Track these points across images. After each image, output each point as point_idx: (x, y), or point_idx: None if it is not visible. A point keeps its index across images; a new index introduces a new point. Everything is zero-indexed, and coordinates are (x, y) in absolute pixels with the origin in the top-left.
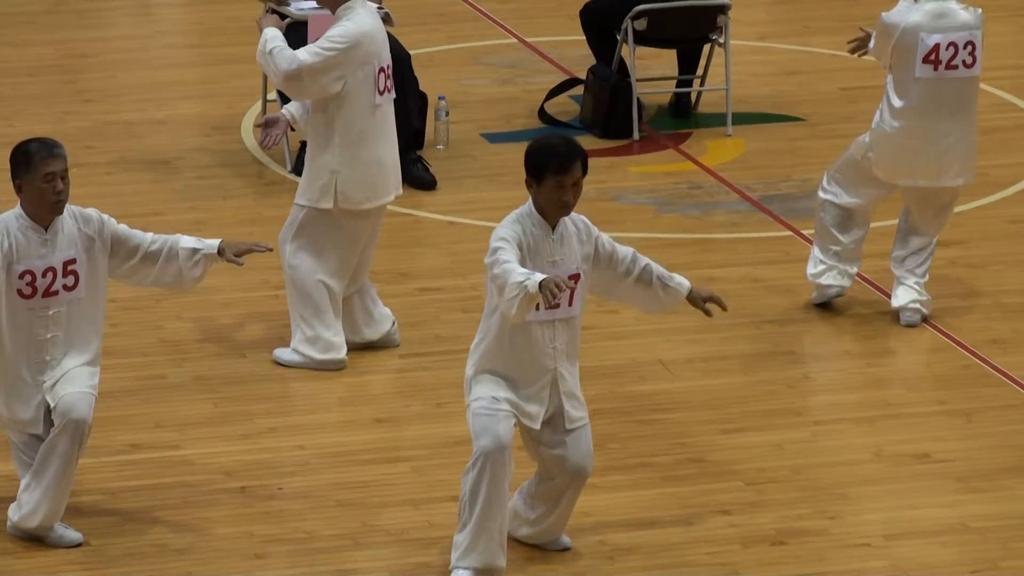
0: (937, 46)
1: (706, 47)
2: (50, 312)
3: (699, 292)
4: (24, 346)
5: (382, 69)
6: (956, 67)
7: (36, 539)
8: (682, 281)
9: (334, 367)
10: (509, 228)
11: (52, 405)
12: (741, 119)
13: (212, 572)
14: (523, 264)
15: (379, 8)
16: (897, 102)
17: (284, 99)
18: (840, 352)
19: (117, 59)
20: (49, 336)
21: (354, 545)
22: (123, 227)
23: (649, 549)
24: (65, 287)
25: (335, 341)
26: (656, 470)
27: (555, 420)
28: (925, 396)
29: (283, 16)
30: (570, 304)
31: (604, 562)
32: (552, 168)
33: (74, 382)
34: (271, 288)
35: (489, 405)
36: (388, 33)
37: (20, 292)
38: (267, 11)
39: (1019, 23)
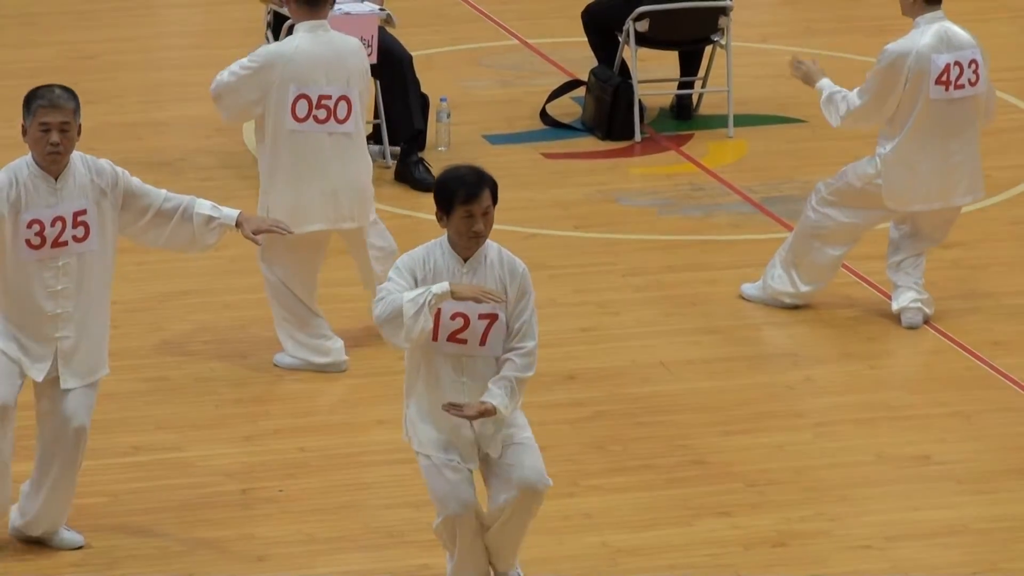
0: (948, 66)
1: (708, 48)
2: (59, 263)
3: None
4: (35, 298)
5: (303, 95)
6: (963, 86)
7: (38, 541)
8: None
9: (336, 369)
10: (406, 258)
11: (61, 381)
12: (743, 121)
13: (213, 574)
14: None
15: (380, 9)
16: (905, 129)
17: None
18: (841, 354)
19: (119, 60)
20: (60, 288)
21: (355, 547)
22: (137, 181)
23: (650, 551)
24: (75, 238)
25: (329, 344)
26: (657, 472)
27: (490, 451)
28: (926, 398)
29: (285, 17)
30: (482, 344)
31: (605, 563)
32: (460, 198)
33: (81, 395)
34: None
35: (440, 464)
36: (390, 35)
37: (28, 242)
38: (268, 11)
39: (1020, 25)
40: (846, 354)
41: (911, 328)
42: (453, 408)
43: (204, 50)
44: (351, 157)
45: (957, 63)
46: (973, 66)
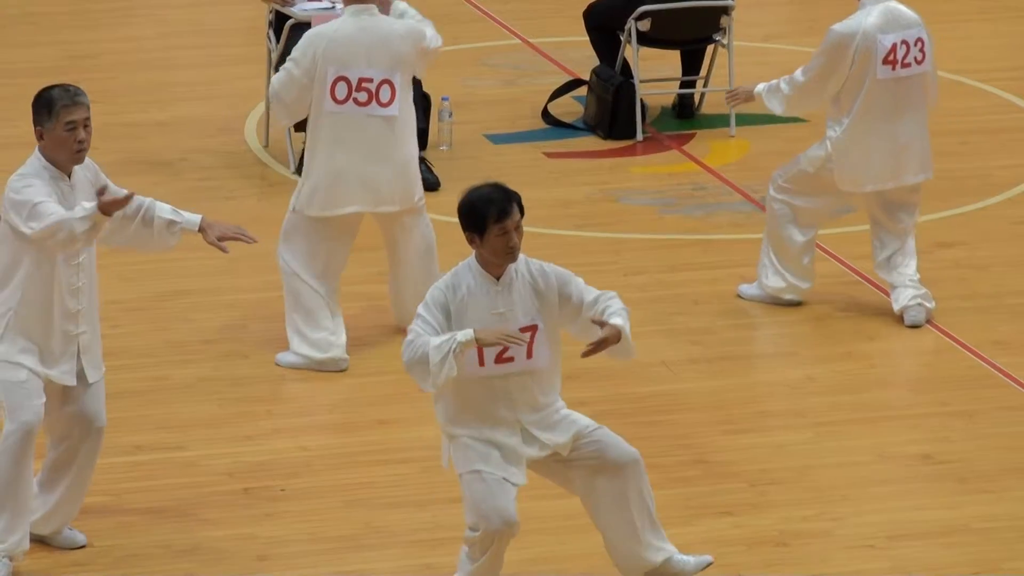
0: (894, 46)
1: (709, 48)
2: (79, 259)
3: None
4: (60, 298)
5: (342, 77)
6: (909, 65)
7: (39, 540)
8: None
9: (335, 367)
10: (436, 291)
11: (88, 376)
12: (744, 120)
13: (215, 573)
14: (454, 324)
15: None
16: (854, 109)
17: None
18: (842, 353)
19: (120, 60)
20: (80, 284)
21: (358, 546)
22: (107, 179)
23: None
24: None
25: (333, 340)
26: (659, 471)
27: (550, 455)
28: (927, 397)
29: (286, 17)
30: (528, 356)
31: (607, 563)
32: (492, 217)
33: (99, 392)
34: (274, 289)
35: (490, 480)
36: None
37: None
38: (270, 11)
39: (1019, 24)
40: (847, 353)
41: (915, 326)
42: (594, 347)
43: (205, 50)
44: (393, 140)
45: (904, 42)
46: (919, 44)
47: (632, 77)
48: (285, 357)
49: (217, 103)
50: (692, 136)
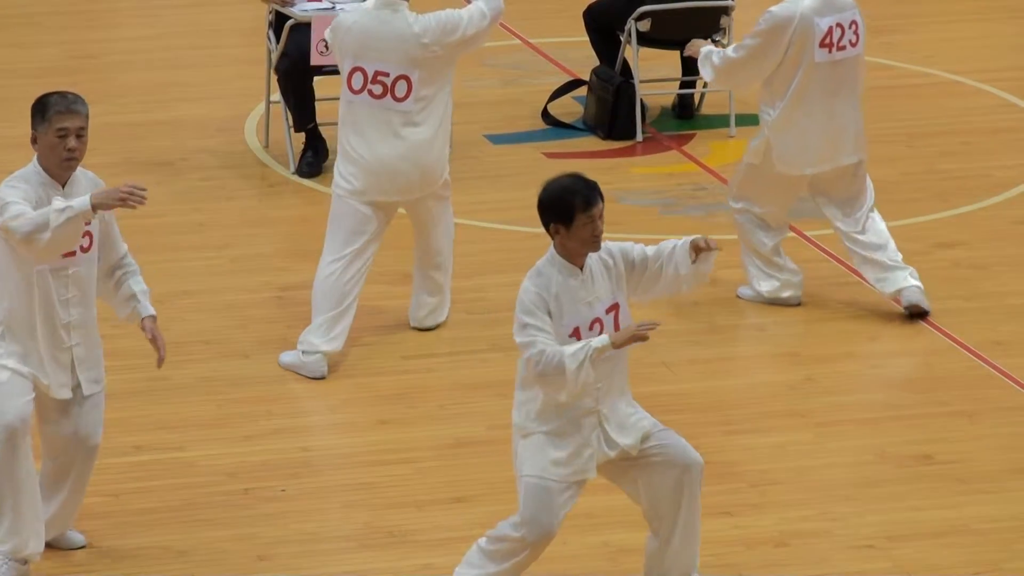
0: (830, 29)
1: None
2: (69, 271)
3: (695, 241)
4: (49, 309)
5: (358, 68)
6: (845, 47)
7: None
8: (683, 241)
9: (307, 374)
10: (531, 294)
11: (84, 388)
12: (744, 120)
13: (215, 574)
14: (553, 322)
15: None
16: (789, 92)
17: (286, 100)
18: (842, 353)
19: (120, 60)
20: (70, 296)
21: (358, 547)
22: (115, 226)
23: None
24: (82, 248)
25: (316, 345)
26: None
27: (617, 454)
28: (928, 398)
29: (286, 17)
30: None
31: (606, 563)
32: (579, 207)
33: (96, 407)
34: (274, 289)
35: (553, 488)
36: None
37: None
38: (270, 11)
39: (1019, 24)
40: (848, 353)
41: (913, 306)
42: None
43: (205, 50)
44: (409, 134)
45: (839, 24)
46: (854, 27)
47: (632, 77)
48: (286, 357)
49: (217, 103)
50: (692, 136)
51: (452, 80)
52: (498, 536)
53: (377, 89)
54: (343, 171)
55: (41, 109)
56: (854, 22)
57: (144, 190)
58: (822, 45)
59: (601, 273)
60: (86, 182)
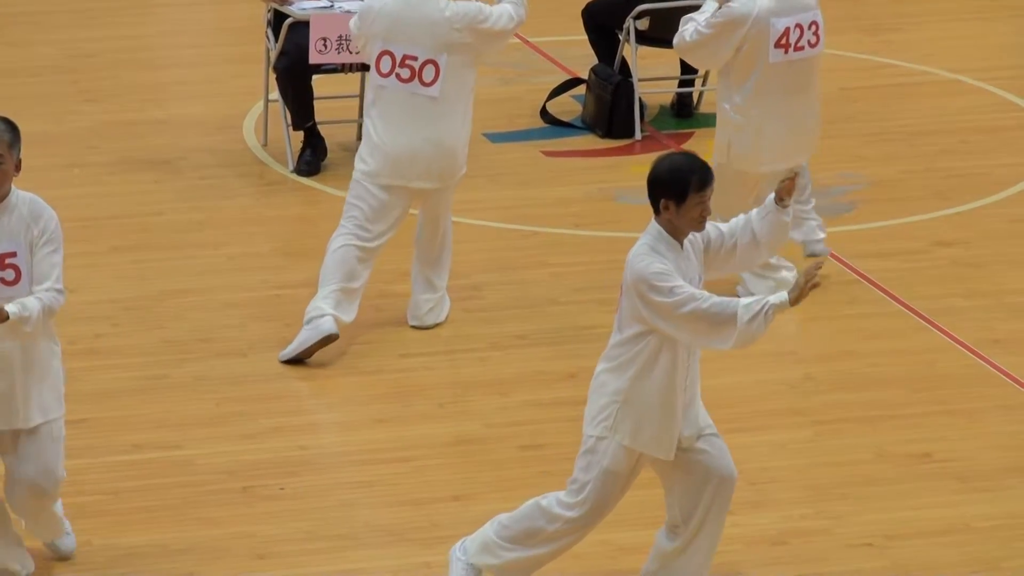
0: (787, 29)
1: None
2: None
3: (779, 191)
4: None
5: (386, 52)
6: (803, 48)
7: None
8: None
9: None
10: (658, 264)
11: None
12: None
13: (214, 572)
14: None
15: None
16: (745, 90)
17: (285, 99)
18: (842, 352)
19: (119, 59)
20: None
21: (356, 545)
22: (51, 260)
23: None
24: (3, 280)
25: (314, 322)
26: None
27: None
28: (926, 396)
29: (285, 16)
30: None
31: (606, 561)
32: (695, 185)
33: (44, 442)
34: (272, 288)
35: (624, 479)
36: None
37: None
38: (269, 10)
39: (1019, 22)
40: (847, 352)
41: (814, 255)
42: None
43: (204, 49)
44: (434, 120)
45: (798, 25)
46: (813, 27)
47: (631, 76)
48: (286, 354)
49: (216, 102)
50: (691, 135)
51: (475, 80)
52: (555, 516)
53: (405, 73)
54: (363, 153)
55: None
56: (814, 23)
57: None
58: (777, 46)
59: (692, 251)
60: (21, 213)
